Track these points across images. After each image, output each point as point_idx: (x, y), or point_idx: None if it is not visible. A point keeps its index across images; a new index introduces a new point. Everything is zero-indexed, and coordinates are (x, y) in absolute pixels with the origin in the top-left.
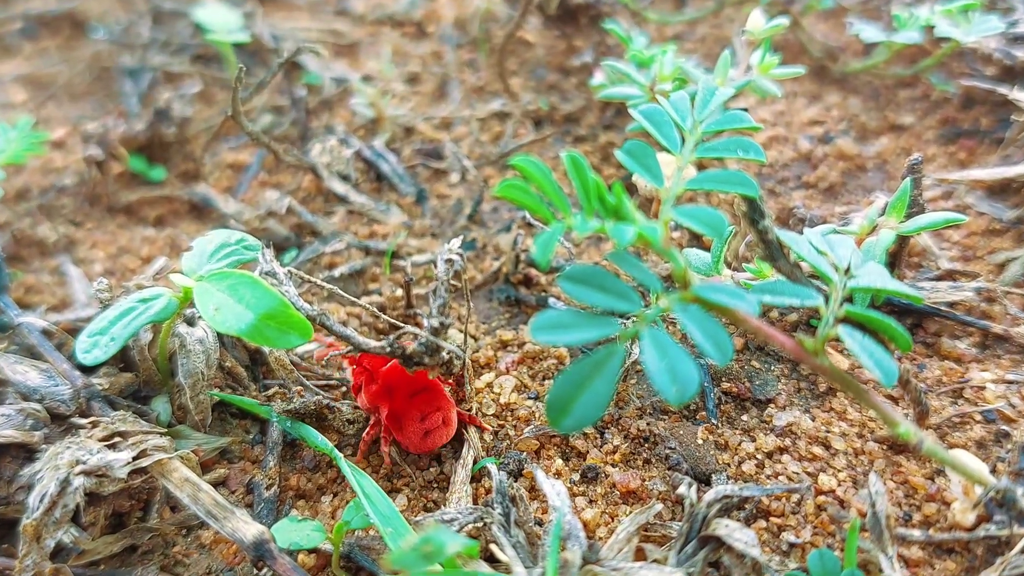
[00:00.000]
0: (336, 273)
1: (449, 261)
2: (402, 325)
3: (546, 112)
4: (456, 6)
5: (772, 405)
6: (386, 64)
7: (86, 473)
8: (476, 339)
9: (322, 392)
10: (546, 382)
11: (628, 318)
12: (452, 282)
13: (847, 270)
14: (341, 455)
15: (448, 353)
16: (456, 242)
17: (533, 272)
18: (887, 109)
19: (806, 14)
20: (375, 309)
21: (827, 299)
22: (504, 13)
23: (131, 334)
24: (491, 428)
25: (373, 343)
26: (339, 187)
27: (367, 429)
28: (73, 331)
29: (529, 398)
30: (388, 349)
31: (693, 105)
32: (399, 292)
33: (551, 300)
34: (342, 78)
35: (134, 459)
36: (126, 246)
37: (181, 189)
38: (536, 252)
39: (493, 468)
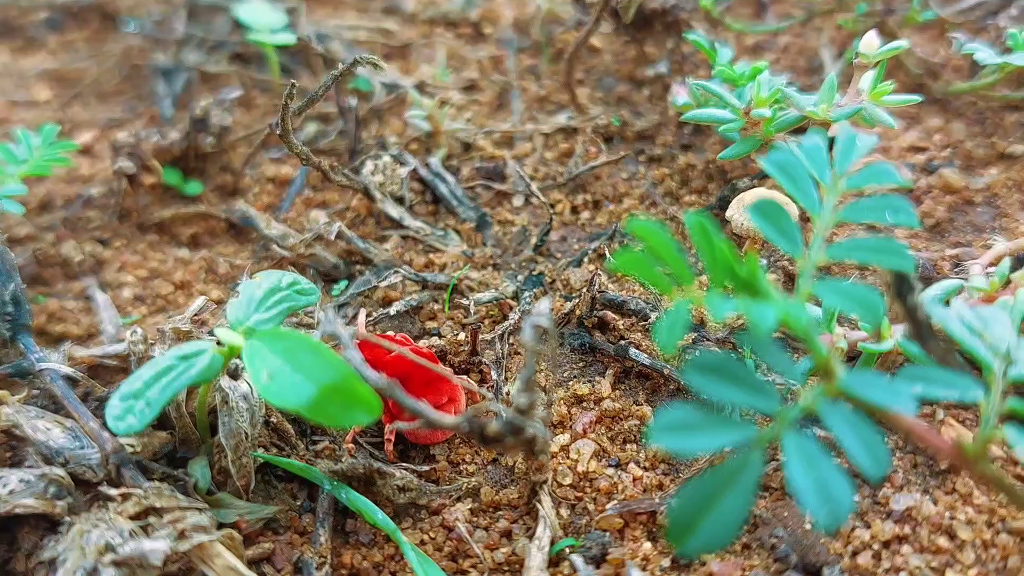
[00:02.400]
0: (392, 311)
1: (538, 328)
2: (479, 390)
3: (617, 129)
4: (515, 6)
5: (887, 484)
6: (441, 70)
7: (117, 564)
8: (546, 391)
9: (374, 451)
10: (627, 446)
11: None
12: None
13: (1007, 354)
14: (403, 536)
15: (533, 433)
16: (546, 304)
17: (610, 315)
18: (995, 135)
19: (904, 27)
20: (447, 372)
21: (986, 389)
22: (568, 15)
23: (169, 398)
24: (436, 343)
25: (448, 419)
26: (393, 211)
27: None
28: (100, 370)
29: (610, 466)
30: (466, 427)
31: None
32: (461, 335)
33: (633, 351)
34: (393, 84)
35: (172, 543)
36: (158, 269)
37: (219, 206)
38: (660, 336)
39: (580, 562)
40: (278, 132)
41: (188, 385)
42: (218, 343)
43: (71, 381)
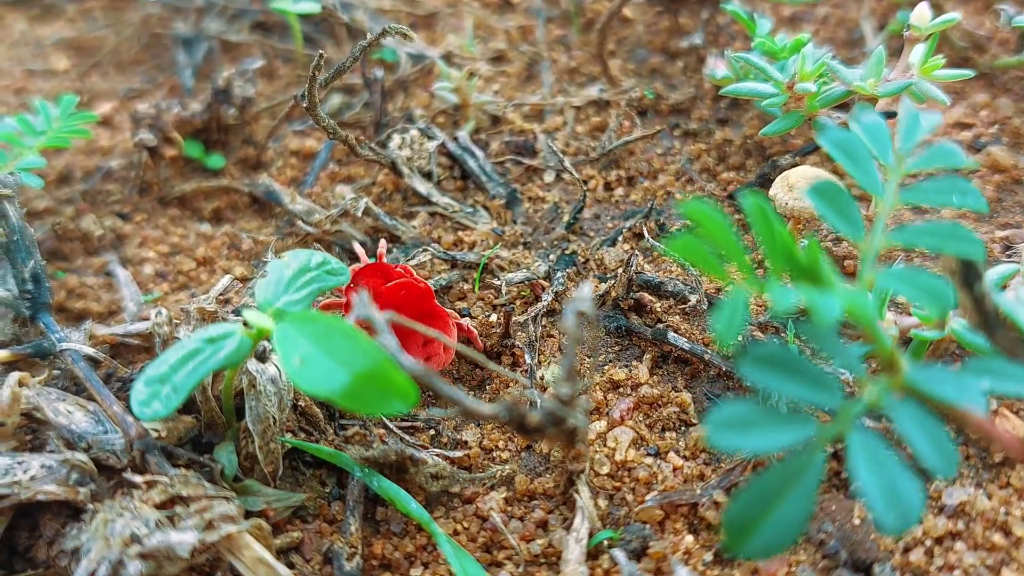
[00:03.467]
0: None
1: (581, 314)
2: (511, 375)
3: (651, 102)
4: None
5: (939, 477)
6: (468, 40)
7: (143, 556)
8: (580, 374)
9: (406, 437)
10: (666, 433)
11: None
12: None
13: None
14: (439, 527)
15: (574, 423)
16: (587, 289)
17: (647, 297)
18: None
19: None
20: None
21: None
22: None
23: (196, 382)
24: (467, 325)
25: (486, 408)
26: (421, 186)
27: None
28: (122, 349)
29: (648, 454)
30: (504, 415)
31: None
32: (492, 316)
33: (671, 335)
34: (419, 55)
35: (199, 534)
36: (179, 244)
37: (241, 180)
38: (718, 327)
39: (621, 557)
40: (304, 105)
41: (216, 369)
42: (246, 325)
43: (93, 362)
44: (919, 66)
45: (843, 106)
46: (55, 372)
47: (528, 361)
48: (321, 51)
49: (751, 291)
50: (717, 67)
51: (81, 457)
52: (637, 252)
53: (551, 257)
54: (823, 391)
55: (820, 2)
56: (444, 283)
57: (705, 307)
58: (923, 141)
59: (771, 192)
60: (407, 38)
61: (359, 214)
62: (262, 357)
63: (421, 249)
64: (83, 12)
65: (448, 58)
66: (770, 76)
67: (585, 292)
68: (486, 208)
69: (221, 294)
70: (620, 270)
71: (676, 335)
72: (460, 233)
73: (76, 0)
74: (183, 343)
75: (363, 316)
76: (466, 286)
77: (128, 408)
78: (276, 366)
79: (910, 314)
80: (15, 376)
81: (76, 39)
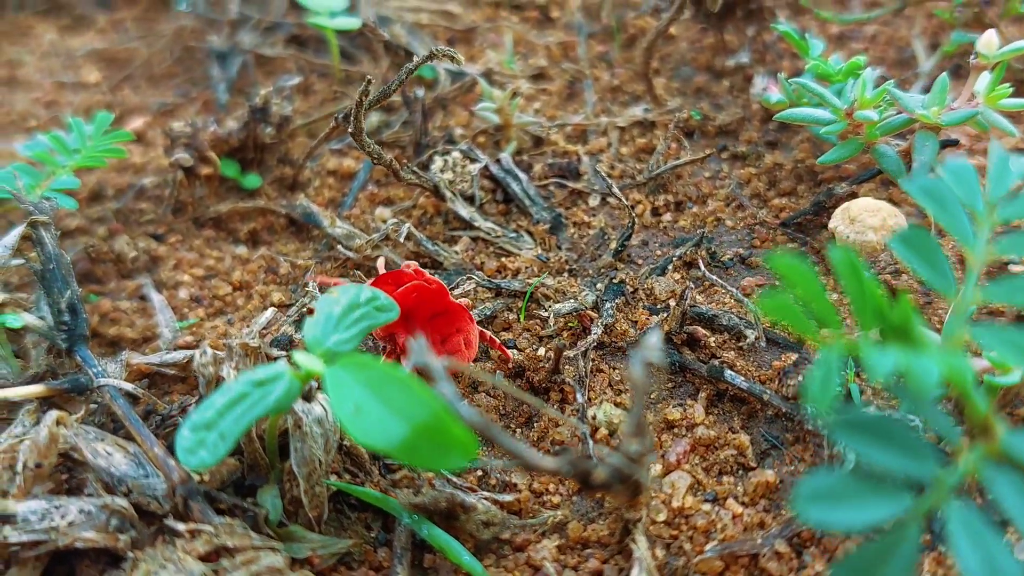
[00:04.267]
0: None
1: (649, 365)
2: (560, 416)
3: (697, 123)
4: None
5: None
6: (508, 57)
7: None
8: (649, 431)
9: (454, 479)
10: (724, 478)
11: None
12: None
13: None
14: None
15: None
16: (656, 337)
17: (700, 331)
18: None
19: (1004, 18)
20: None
21: None
22: None
23: (244, 429)
24: (513, 358)
25: (549, 462)
26: (464, 210)
27: (383, 357)
28: (157, 378)
29: (707, 500)
30: (568, 470)
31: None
32: (541, 350)
33: (728, 373)
34: (458, 72)
35: None
36: (215, 267)
37: (278, 200)
38: (813, 391)
39: None
40: (349, 131)
41: (264, 415)
42: (293, 365)
43: (131, 398)
44: (985, 94)
45: (904, 134)
46: (92, 406)
47: (579, 399)
48: (369, 77)
49: (844, 352)
50: (770, 90)
51: (121, 502)
52: (691, 284)
53: (598, 286)
54: (920, 461)
55: (869, 20)
56: (488, 312)
57: (764, 345)
58: (1016, 187)
59: (831, 224)
60: (454, 61)
61: (401, 239)
62: (307, 396)
63: (465, 277)
64: (114, 23)
65: (488, 75)
66: (827, 102)
67: (654, 341)
68: (530, 233)
69: (264, 329)
70: (673, 302)
71: (733, 373)
72: (503, 259)
73: (107, 10)
74: (230, 387)
75: (420, 363)
76: (511, 316)
77: (170, 450)
78: (322, 406)
79: (978, 355)
80: (53, 415)
81: (107, 51)
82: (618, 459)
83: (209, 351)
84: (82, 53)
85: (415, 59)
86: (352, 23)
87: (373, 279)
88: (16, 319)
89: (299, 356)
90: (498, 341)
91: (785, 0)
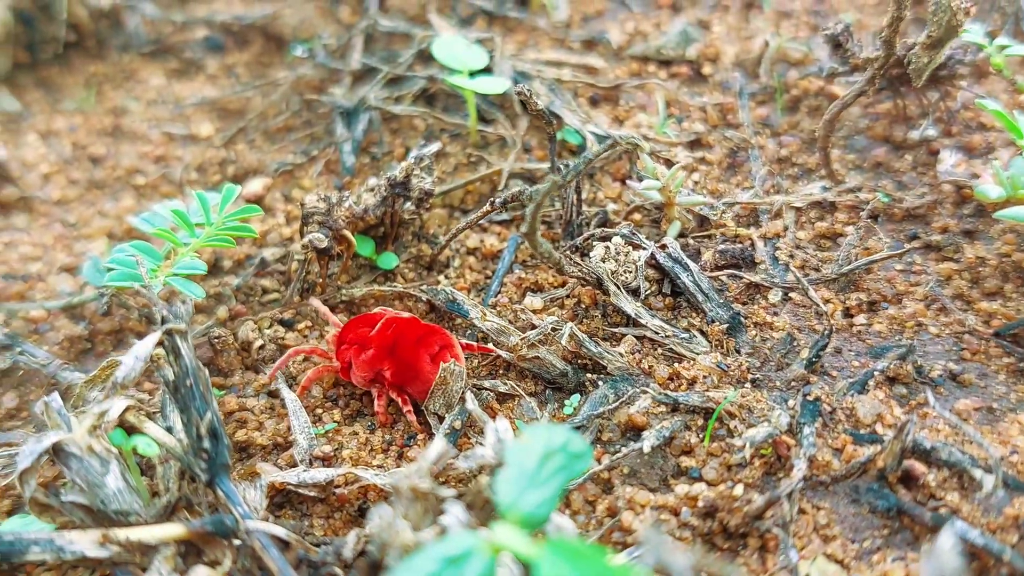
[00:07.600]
0: (645, 445)
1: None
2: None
3: (883, 205)
4: (737, 40)
5: None
6: (661, 121)
7: None
8: (847, 567)
9: None
10: None
11: None
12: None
13: None
14: None
15: None
16: (950, 544)
17: (918, 467)
18: None
19: None
20: None
21: None
22: (800, 53)
23: None
24: (495, 350)
25: None
26: (628, 306)
27: (376, 400)
28: (293, 497)
29: None
30: None
31: None
32: (737, 488)
33: (958, 524)
34: (604, 135)
35: None
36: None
37: (415, 282)
38: None
39: None
40: (522, 232)
41: None
42: (489, 538)
43: (282, 543)
44: None
45: None
46: (238, 552)
47: (789, 554)
48: (563, 163)
49: None
50: (985, 182)
51: None
52: (914, 417)
53: (790, 403)
54: None
55: None
56: (666, 434)
57: (1002, 493)
58: None
59: None
60: (638, 148)
61: (563, 342)
62: None
63: (639, 390)
64: (225, 68)
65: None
66: None
67: (947, 546)
68: (703, 333)
69: (434, 464)
70: (881, 428)
71: (966, 525)
72: (676, 365)
73: (218, 55)
74: (416, 564)
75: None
76: (692, 438)
77: None
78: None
79: None
80: (202, 573)
81: (219, 100)
82: None
83: (389, 511)
84: (192, 102)
85: (591, 147)
86: (496, 86)
87: (346, 323)
88: (150, 445)
89: (502, 532)
90: (475, 345)
91: (968, 61)
